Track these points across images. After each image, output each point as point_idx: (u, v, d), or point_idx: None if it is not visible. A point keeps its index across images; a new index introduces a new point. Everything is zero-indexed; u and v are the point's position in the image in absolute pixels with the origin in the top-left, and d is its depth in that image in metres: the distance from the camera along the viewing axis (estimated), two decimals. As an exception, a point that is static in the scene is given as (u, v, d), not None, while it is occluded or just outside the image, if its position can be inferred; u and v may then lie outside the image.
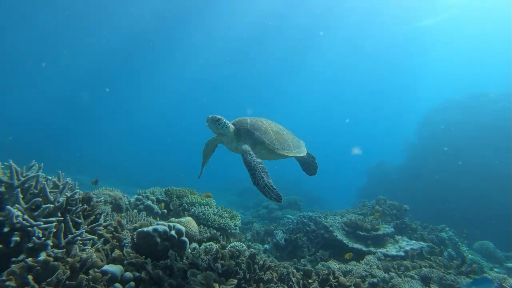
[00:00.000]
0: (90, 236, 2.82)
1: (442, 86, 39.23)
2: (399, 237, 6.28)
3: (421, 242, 6.00)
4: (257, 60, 44.01)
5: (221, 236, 4.83)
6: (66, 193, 2.88)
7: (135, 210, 4.60)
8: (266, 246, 6.52)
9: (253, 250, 4.34)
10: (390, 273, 4.24)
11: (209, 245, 3.98)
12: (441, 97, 23.13)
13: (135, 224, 3.89)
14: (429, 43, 35.88)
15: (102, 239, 3.14)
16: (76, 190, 2.96)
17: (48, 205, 2.61)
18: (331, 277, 3.25)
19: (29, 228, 2.46)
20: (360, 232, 5.85)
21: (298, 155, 4.08)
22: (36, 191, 2.86)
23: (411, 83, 46.40)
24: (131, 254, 2.91)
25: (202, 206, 5.30)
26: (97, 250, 2.89)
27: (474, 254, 9.24)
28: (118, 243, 3.16)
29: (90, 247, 2.82)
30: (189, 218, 4.41)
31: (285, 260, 6.24)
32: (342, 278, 3.19)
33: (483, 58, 37.00)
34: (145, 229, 3.20)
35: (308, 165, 4.65)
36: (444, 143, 17.84)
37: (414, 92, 48.24)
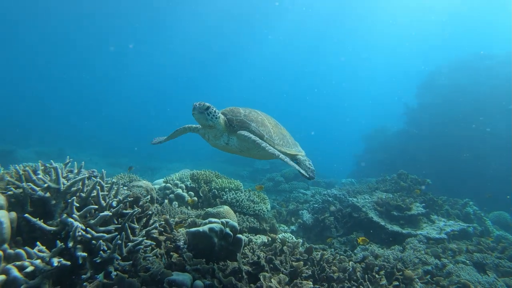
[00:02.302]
0: (149, 242, 2.72)
1: (444, 48, 38.70)
2: (435, 216, 6.42)
3: (460, 223, 6.16)
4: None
5: (257, 223, 4.83)
6: (118, 196, 2.72)
7: (166, 201, 4.50)
8: (293, 227, 6.62)
9: (300, 240, 4.37)
10: (442, 259, 4.37)
11: (256, 238, 3.96)
12: (443, 59, 22.79)
13: (175, 219, 3.79)
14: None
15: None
16: (128, 193, 2.80)
17: (106, 213, 2.46)
18: (395, 270, 3.29)
19: (93, 242, 2.33)
20: (394, 213, 5.94)
21: (299, 153, 3.75)
22: (84, 195, 2.69)
23: (409, 43, 45.62)
24: (192, 259, 2.84)
25: (233, 192, 5.23)
26: (156, 255, 2.80)
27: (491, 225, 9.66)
28: (172, 245, 3.07)
29: (150, 253, 2.72)
30: (226, 208, 4.33)
31: (313, 241, 6.38)
32: (407, 271, 3.23)
33: (489, 18, 35.98)
34: (201, 229, 3.10)
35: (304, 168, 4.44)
36: (448, 108, 17.93)
37: (414, 53, 47.52)
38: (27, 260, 2.17)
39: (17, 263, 2.17)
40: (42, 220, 2.44)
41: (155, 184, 5.27)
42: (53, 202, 2.63)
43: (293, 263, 3.01)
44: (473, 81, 17.71)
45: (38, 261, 2.16)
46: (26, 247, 2.25)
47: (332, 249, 5.46)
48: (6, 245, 2.27)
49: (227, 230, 3.22)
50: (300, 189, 12.67)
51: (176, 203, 4.70)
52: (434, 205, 7.40)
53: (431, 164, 16.40)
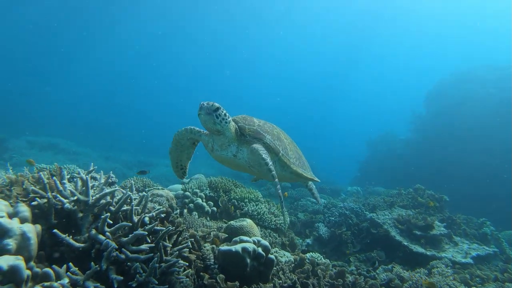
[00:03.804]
0: (182, 263, 2.56)
1: (455, 56, 38.69)
2: (458, 238, 6.28)
3: (484, 247, 6.03)
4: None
5: (279, 238, 4.68)
6: (151, 212, 2.56)
7: (185, 210, 4.34)
8: (308, 240, 6.46)
9: (328, 260, 4.22)
10: (472, 287, 4.23)
11: (281, 255, 3.80)
12: (453, 67, 22.66)
13: (199, 233, 3.64)
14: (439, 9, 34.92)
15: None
16: (160, 208, 2.64)
17: (141, 232, 2.30)
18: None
19: (129, 264, 2.17)
20: (417, 232, 5.80)
21: (315, 179, 3.43)
22: (114, 209, 2.53)
23: (419, 49, 45.62)
24: (227, 282, 2.68)
25: (253, 203, 5.08)
26: (187, 276, 2.65)
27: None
28: (202, 264, 2.91)
29: (182, 275, 2.56)
30: (250, 221, 4.17)
31: (329, 256, 6.22)
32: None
33: (499, 29, 35.86)
34: (233, 248, 2.95)
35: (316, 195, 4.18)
36: (458, 119, 17.81)
37: (423, 60, 47.48)
38: (57, 283, 2.01)
39: (46, 284, 2.01)
40: (70, 236, 2.28)
41: (171, 190, 5.11)
42: (80, 215, 2.47)
43: (332, 290, 2.85)
44: (483, 93, 17.63)
45: (67, 281, 2.01)
46: (54, 266, 2.09)
47: (353, 267, 5.30)
48: (32, 263, 2.11)
49: (260, 250, 3.06)
50: (308, 197, 12.50)
51: (196, 213, 4.54)
52: (452, 224, 7.26)
53: (438, 175, 16.27)
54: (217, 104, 2.67)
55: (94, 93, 51.04)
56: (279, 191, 2.66)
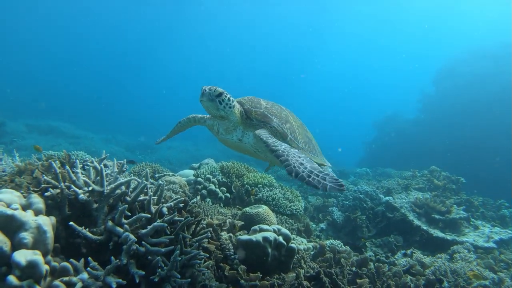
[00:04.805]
0: (203, 254, 2.49)
1: (467, 32, 37.27)
2: (479, 222, 6.18)
3: (507, 230, 5.92)
4: None
5: (295, 224, 4.62)
6: (169, 203, 2.47)
7: (198, 197, 4.27)
8: (322, 225, 6.42)
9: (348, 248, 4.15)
10: (498, 273, 4.15)
11: (299, 242, 3.74)
12: (465, 45, 21.82)
13: (214, 221, 3.57)
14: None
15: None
16: (178, 197, 2.55)
17: (160, 223, 2.21)
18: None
19: (149, 257, 2.10)
20: (435, 216, 5.70)
21: (325, 163, 3.24)
22: (130, 199, 2.44)
23: (429, 27, 43.94)
24: (250, 273, 2.62)
25: (267, 188, 5.00)
26: (207, 268, 2.59)
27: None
28: (221, 255, 2.85)
29: (203, 266, 2.50)
30: (265, 208, 4.10)
31: (344, 241, 6.18)
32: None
33: None
34: (254, 238, 2.88)
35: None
36: (468, 96, 17.30)
37: (431, 38, 45.80)
38: (76, 278, 1.95)
39: (64, 278, 1.95)
40: (87, 229, 2.21)
41: (181, 175, 5.03)
42: (95, 206, 2.40)
43: (358, 280, 2.78)
44: (496, 70, 16.99)
45: (86, 276, 1.95)
46: (72, 260, 2.03)
47: (371, 253, 5.26)
48: (49, 257, 2.05)
49: (280, 239, 2.99)
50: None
51: (209, 199, 4.48)
52: (470, 207, 7.16)
53: (447, 155, 16.00)
54: (220, 89, 2.53)
55: (92, 73, 50.79)
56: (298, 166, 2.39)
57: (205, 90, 2.51)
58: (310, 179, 2.09)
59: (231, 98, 2.58)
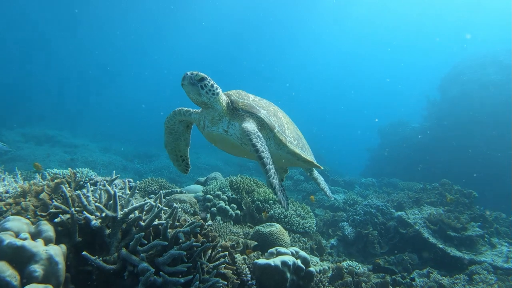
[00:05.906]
0: (222, 282, 2.37)
1: (471, 40, 37.50)
2: (495, 239, 6.04)
3: None
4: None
5: (308, 243, 4.49)
6: (185, 227, 2.36)
7: (208, 215, 4.15)
8: (332, 241, 6.28)
9: (366, 268, 4.02)
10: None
11: (314, 263, 3.61)
12: (471, 52, 21.83)
13: (227, 242, 3.45)
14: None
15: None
16: (194, 221, 2.44)
17: (177, 251, 2.11)
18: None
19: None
20: (451, 233, 5.57)
21: (315, 163, 3.12)
22: (144, 224, 2.34)
23: (435, 33, 44.21)
24: (270, 302, 2.50)
25: (279, 204, 4.88)
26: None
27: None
28: (238, 280, 2.73)
29: (221, 296, 2.38)
30: (279, 227, 3.99)
31: (356, 257, 6.04)
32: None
33: None
34: (272, 263, 2.76)
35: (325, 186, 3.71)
36: (475, 104, 17.22)
37: (437, 43, 46.02)
38: (91, 313, 1.84)
39: (77, 314, 1.84)
40: (100, 258, 2.10)
41: (189, 191, 4.92)
42: (108, 231, 2.29)
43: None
44: (504, 78, 16.95)
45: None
46: (84, 293, 1.92)
47: (382, 273, 5.08)
48: (60, 289, 1.94)
49: (299, 263, 2.88)
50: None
51: (219, 217, 4.36)
52: (484, 223, 7.01)
53: (454, 165, 15.84)
54: (202, 74, 2.50)
55: (88, 78, 50.88)
56: (271, 171, 2.39)
57: (187, 74, 2.49)
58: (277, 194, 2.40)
59: (214, 85, 2.53)
